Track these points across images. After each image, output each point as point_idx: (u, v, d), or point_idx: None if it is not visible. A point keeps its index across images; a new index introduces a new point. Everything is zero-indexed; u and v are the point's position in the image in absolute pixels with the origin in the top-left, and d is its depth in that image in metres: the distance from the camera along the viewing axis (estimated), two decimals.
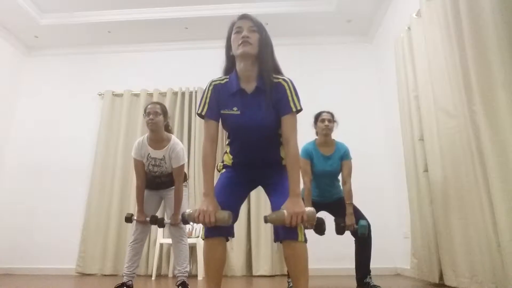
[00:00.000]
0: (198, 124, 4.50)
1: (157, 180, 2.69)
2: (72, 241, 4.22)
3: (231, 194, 1.53)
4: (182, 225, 2.68)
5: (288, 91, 1.49)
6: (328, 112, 2.73)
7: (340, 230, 2.57)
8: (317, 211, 2.65)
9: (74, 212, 4.36)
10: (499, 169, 1.92)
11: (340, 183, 2.78)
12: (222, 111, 1.53)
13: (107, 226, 4.22)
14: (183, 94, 4.68)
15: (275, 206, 1.46)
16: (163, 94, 4.72)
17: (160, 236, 3.86)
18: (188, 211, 1.48)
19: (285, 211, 1.36)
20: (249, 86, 1.52)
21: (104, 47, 5.07)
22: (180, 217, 2.59)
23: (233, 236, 1.51)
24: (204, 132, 1.55)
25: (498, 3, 2.00)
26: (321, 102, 3.32)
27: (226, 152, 1.67)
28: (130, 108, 4.69)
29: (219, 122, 1.56)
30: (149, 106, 2.58)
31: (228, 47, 1.57)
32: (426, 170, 2.91)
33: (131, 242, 2.57)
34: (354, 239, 2.63)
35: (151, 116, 2.51)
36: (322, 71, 4.69)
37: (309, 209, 1.39)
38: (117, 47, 5.05)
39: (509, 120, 1.90)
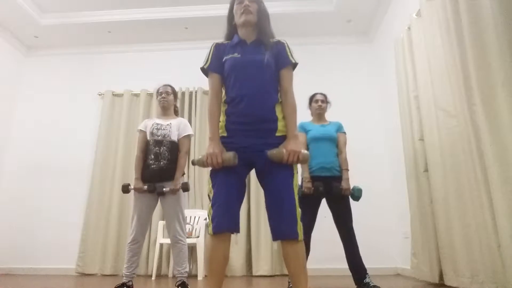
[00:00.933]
0: (198, 124, 4.50)
1: (156, 160, 2.63)
2: (72, 241, 4.22)
3: (231, 186, 1.50)
4: (182, 222, 2.65)
5: (286, 47, 1.66)
6: (322, 94, 2.96)
7: (337, 193, 2.67)
8: (317, 197, 2.69)
9: (74, 212, 4.36)
10: (499, 169, 1.92)
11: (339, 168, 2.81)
12: (224, 59, 1.64)
13: (107, 226, 4.22)
14: (183, 94, 4.67)
15: (270, 210, 1.48)
16: None
17: (160, 236, 3.86)
18: (197, 158, 1.58)
19: (284, 150, 1.47)
20: (249, 39, 1.67)
21: (104, 47, 5.07)
22: (179, 183, 2.63)
23: (238, 231, 1.51)
24: (209, 87, 1.66)
25: (498, 3, 2.00)
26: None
27: (220, 121, 1.63)
28: (130, 108, 4.69)
29: (221, 76, 1.64)
30: (161, 87, 2.85)
31: (230, 17, 1.73)
32: (426, 170, 2.91)
33: (128, 243, 2.55)
34: (342, 243, 2.64)
35: (163, 95, 2.79)
36: (322, 71, 4.69)
37: (304, 151, 1.51)
38: (117, 47, 5.06)
39: (509, 120, 1.90)
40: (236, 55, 1.62)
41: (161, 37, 4.93)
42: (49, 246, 4.28)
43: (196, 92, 4.64)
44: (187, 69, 4.82)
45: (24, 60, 5.08)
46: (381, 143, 4.34)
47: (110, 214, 4.26)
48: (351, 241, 2.59)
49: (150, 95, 4.72)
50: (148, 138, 2.73)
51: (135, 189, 2.63)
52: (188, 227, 3.72)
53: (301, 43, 4.79)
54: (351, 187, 2.71)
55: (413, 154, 3.11)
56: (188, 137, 2.78)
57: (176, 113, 2.92)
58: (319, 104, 2.89)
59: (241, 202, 1.55)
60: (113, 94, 4.77)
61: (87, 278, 3.80)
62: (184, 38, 4.93)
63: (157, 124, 2.75)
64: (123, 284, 2.49)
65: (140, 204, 2.62)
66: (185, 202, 2.76)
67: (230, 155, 1.49)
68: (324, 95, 2.95)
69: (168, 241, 3.66)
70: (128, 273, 2.52)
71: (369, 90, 4.59)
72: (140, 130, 2.79)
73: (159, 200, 2.71)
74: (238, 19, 1.65)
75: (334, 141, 2.83)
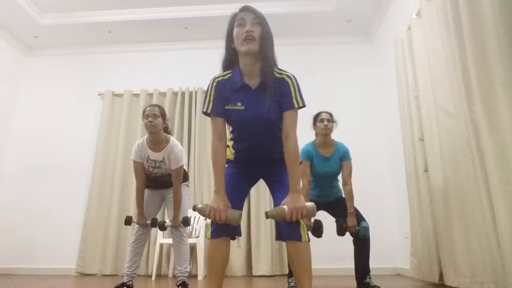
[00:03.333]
0: (198, 124, 4.50)
1: (159, 180, 2.69)
2: (72, 241, 4.22)
3: (235, 192, 1.54)
4: (185, 202, 2.69)
5: (291, 88, 1.49)
6: (327, 112, 2.70)
7: (341, 231, 2.56)
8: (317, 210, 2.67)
9: (74, 212, 4.36)
10: (499, 169, 1.92)
11: (340, 185, 2.77)
12: (226, 107, 1.51)
13: (107, 226, 4.22)
14: (183, 94, 4.68)
15: (278, 202, 1.48)
16: (163, 94, 4.72)
17: (160, 236, 3.86)
18: (199, 206, 1.48)
19: (285, 207, 1.38)
20: (253, 81, 1.51)
21: (104, 47, 5.07)
22: (180, 219, 2.60)
23: (240, 235, 1.51)
24: (212, 130, 1.55)
25: (498, 3, 2.00)
26: (320, 102, 3.31)
27: (228, 146, 1.67)
28: (130, 108, 4.69)
29: (224, 118, 1.55)
30: (147, 109, 2.57)
31: (229, 40, 1.54)
32: (426, 170, 2.91)
33: (131, 243, 2.57)
34: (352, 239, 2.63)
35: (150, 119, 2.51)
36: (322, 71, 4.69)
37: (309, 204, 1.41)
38: (117, 47, 5.06)
39: (509, 120, 1.90)
40: (239, 105, 1.49)
41: (161, 37, 4.93)
42: (49, 246, 4.28)
43: (196, 92, 4.64)
44: (187, 69, 4.84)
45: (24, 60, 5.08)
46: (381, 143, 4.34)
47: (110, 214, 4.25)
48: (363, 242, 2.55)
49: (150, 95, 4.72)
50: (146, 171, 2.65)
51: (137, 223, 2.61)
52: (188, 227, 3.72)
53: (301, 43, 4.80)
54: (358, 225, 2.53)
55: (413, 154, 3.11)
56: (180, 168, 2.60)
57: (166, 131, 2.69)
58: (325, 124, 2.61)
59: (243, 202, 1.58)
60: (113, 94, 4.77)
61: (87, 278, 3.80)
62: (184, 38, 4.93)
63: (152, 161, 2.60)
64: (123, 284, 2.49)
65: (145, 205, 2.65)
66: (187, 202, 2.78)
67: (235, 215, 1.42)
68: (330, 114, 2.69)
69: (168, 241, 3.68)
70: (129, 273, 2.52)
71: (369, 90, 4.59)
72: (134, 160, 2.61)
73: (163, 203, 2.76)
74: (240, 47, 1.46)
75: (337, 174, 2.73)
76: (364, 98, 4.56)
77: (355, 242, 2.61)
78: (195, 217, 4.00)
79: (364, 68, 4.69)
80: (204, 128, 4.51)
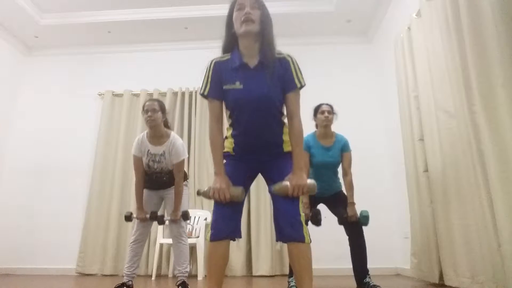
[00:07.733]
0: (198, 124, 4.50)
1: (158, 179, 2.67)
2: (72, 241, 4.22)
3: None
4: (183, 223, 2.67)
5: (292, 67, 1.52)
6: (328, 104, 2.75)
7: (342, 220, 2.60)
8: (316, 204, 2.68)
9: (74, 212, 4.36)
10: (499, 169, 1.93)
11: (341, 178, 2.79)
12: (224, 87, 1.52)
13: (107, 226, 4.22)
14: (183, 94, 4.68)
15: (276, 214, 1.48)
16: (163, 94, 4.71)
17: (160, 236, 3.86)
18: (202, 190, 1.54)
19: (288, 183, 1.43)
20: (252, 61, 1.51)
21: (104, 47, 5.07)
22: (180, 213, 2.60)
23: (240, 237, 1.51)
24: (209, 113, 1.56)
25: (498, 3, 2.00)
26: (320, 102, 3.31)
27: (226, 138, 1.63)
28: (130, 108, 4.69)
29: (222, 100, 1.56)
30: (147, 104, 2.57)
31: (229, 24, 1.55)
32: (426, 170, 2.91)
33: (131, 243, 2.57)
34: (348, 238, 2.62)
35: (149, 113, 2.51)
36: (322, 71, 4.68)
37: (310, 181, 1.46)
38: (117, 47, 5.05)
39: (509, 120, 1.91)
40: (238, 85, 1.48)
41: (161, 37, 4.93)
42: (49, 246, 4.28)
43: (196, 92, 4.64)
44: (187, 69, 4.83)
45: (24, 60, 5.07)
46: (381, 143, 4.34)
47: (110, 214, 4.25)
48: (358, 242, 2.55)
49: (150, 95, 4.72)
50: (145, 168, 2.63)
51: (137, 218, 2.60)
52: (188, 227, 3.72)
53: (301, 43, 4.79)
54: (358, 213, 2.58)
55: (413, 154, 3.11)
56: (181, 162, 2.61)
57: (166, 126, 2.69)
58: (325, 115, 2.67)
59: (243, 205, 1.57)
60: (113, 94, 4.77)
61: (87, 278, 3.80)
62: (184, 38, 4.93)
63: (152, 155, 2.59)
64: (123, 284, 2.49)
65: (143, 203, 2.64)
66: (186, 202, 2.78)
67: (238, 191, 1.47)
68: (331, 106, 2.74)
69: (168, 241, 3.68)
70: (129, 273, 2.52)
71: (369, 90, 4.59)
72: (135, 155, 2.61)
73: (162, 203, 2.75)
74: (239, 29, 1.47)
75: (338, 165, 2.74)
76: (364, 98, 4.56)
77: (351, 243, 2.60)
78: (195, 217, 4.00)
79: (364, 68, 4.69)
80: (204, 128, 4.51)
